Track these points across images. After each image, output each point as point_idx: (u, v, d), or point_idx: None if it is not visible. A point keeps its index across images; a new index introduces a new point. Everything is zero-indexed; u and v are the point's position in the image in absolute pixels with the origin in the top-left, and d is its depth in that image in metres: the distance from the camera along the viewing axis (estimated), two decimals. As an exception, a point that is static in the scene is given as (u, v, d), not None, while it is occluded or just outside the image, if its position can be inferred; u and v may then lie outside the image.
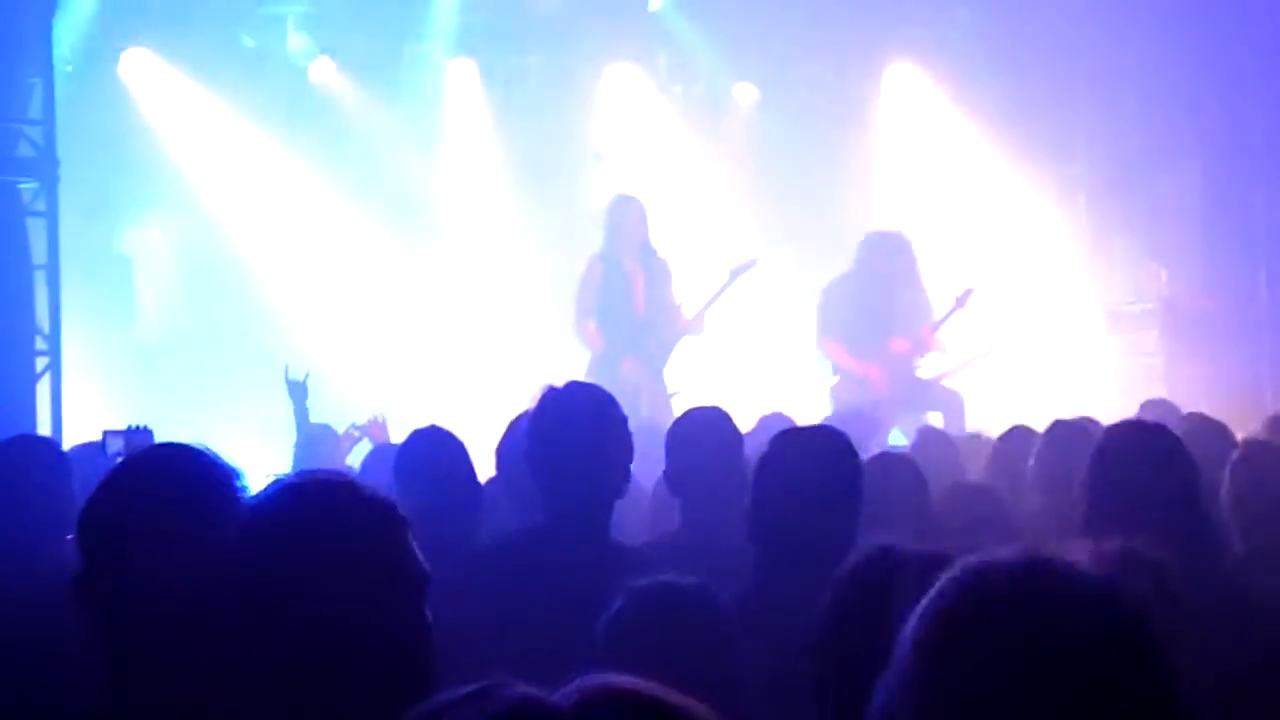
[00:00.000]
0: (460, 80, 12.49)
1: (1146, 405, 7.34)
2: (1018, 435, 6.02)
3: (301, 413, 8.09)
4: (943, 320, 10.24)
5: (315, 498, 2.38)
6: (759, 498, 3.73)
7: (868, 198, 12.03)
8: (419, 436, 4.66)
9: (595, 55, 12.60)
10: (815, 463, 3.76)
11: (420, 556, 2.37)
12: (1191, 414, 6.08)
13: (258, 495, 2.46)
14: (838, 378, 10.28)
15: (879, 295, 10.19)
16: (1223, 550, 4.30)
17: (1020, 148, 12.29)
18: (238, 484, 2.62)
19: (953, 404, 9.98)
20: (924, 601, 1.72)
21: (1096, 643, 1.63)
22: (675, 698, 1.39)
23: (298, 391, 8.15)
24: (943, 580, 1.72)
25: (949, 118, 12.89)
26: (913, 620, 1.72)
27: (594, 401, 4.03)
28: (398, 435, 7.81)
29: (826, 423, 5.31)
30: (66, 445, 6.70)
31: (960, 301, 10.23)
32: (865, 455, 4.33)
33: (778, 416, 6.84)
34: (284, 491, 2.43)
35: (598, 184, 11.60)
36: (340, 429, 8.46)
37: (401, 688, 2.29)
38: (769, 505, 3.70)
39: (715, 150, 12.92)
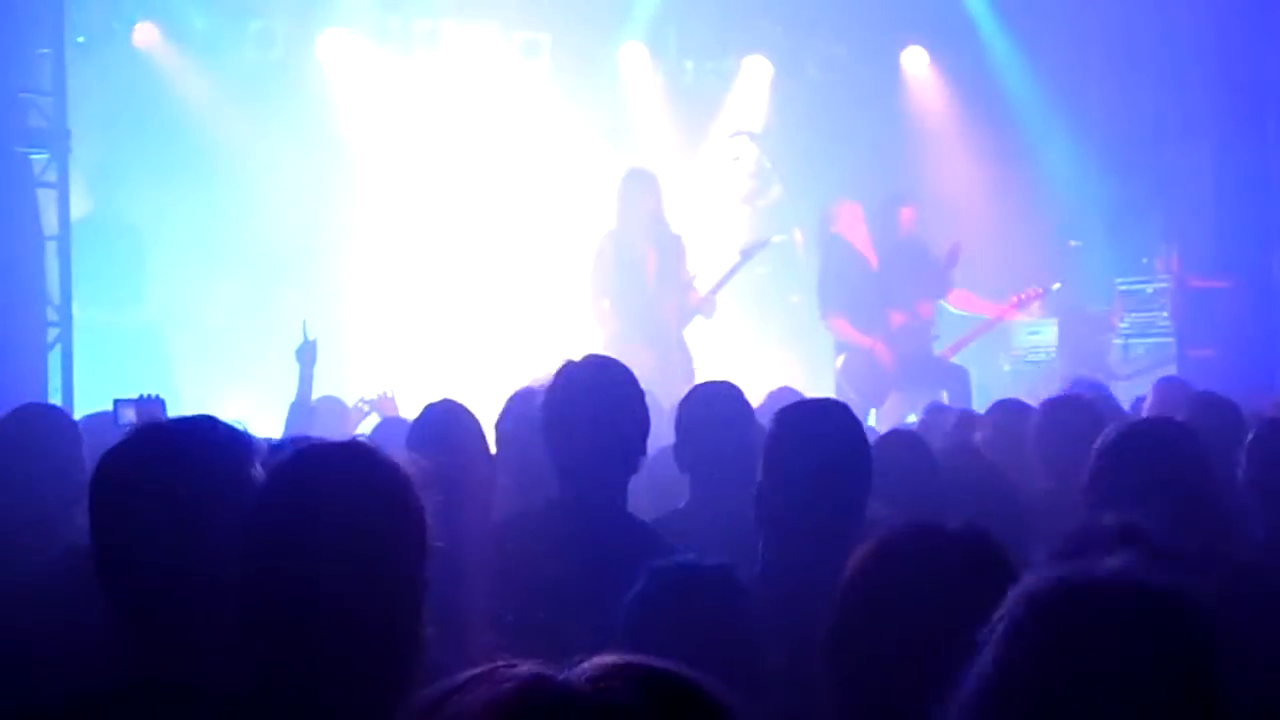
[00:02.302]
0: (473, 51, 12.44)
1: (1160, 383, 7.34)
2: (1014, 410, 6.02)
3: (306, 378, 8.07)
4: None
5: (338, 465, 2.38)
6: (767, 477, 3.72)
7: (884, 175, 11.99)
8: (433, 409, 4.66)
9: (607, 31, 12.56)
10: (821, 438, 3.74)
11: (427, 529, 2.37)
12: (1202, 392, 6.05)
13: (278, 461, 2.45)
14: (844, 355, 10.27)
15: (870, 258, 10.23)
16: (1242, 535, 4.27)
17: (1032, 127, 12.27)
18: (249, 453, 2.61)
19: (959, 380, 9.98)
20: (1023, 601, 1.90)
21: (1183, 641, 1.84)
22: (692, 675, 1.38)
23: (306, 355, 8.12)
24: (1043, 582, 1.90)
25: (959, 96, 12.86)
26: (1010, 621, 1.88)
27: (611, 376, 4.01)
28: (406, 411, 7.82)
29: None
30: (77, 415, 6.72)
31: (951, 258, 10.25)
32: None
33: (785, 391, 6.82)
34: (307, 457, 2.42)
35: (612, 158, 11.57)
36: (349, 402, 8.46)
37: (400, 655, 2.30)
38: (777, 484, 3.69)
39: (724, 126, 12.91)
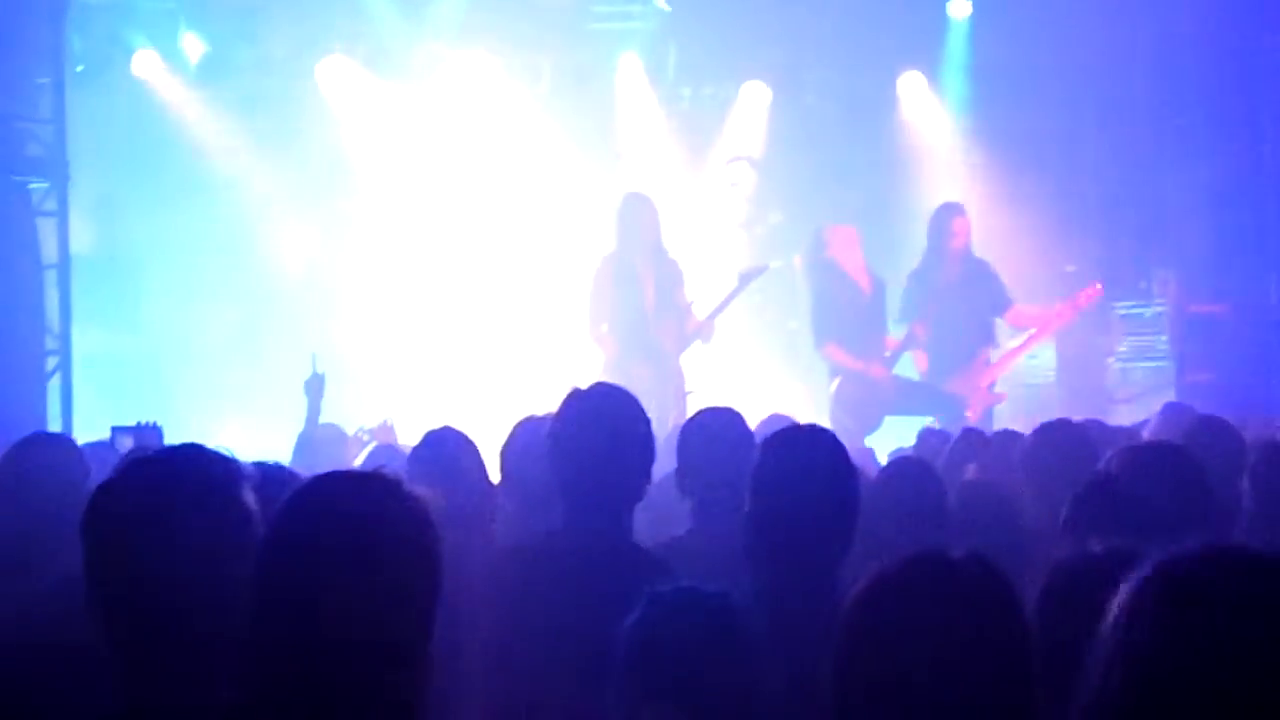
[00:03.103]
0: (472, 76, 12.47)
1: (1166, 409, 7.33)
2: (1006, 438, 6.02)
3: (314, 410, 8.09)
4: (927, 309, 10.23)
5: (358, 495, 2.38)
6: (754, 505, 3.71)
7: (879, 199, 12.01)
8: (433, 437, 4.65)
9: (606, 52, 12.59)
10: (808, 466, 3.73)
11: (442, 564, 2.36)
12: (1204, 417, 6.04)
13: (296, 491, 2.44)
14: (839, 379, 10.26)
15: (862, 283, 10.23)
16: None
17: (1028, 151, 12.29)
18: (240, 479, 2.61)
19: (954, 408, 9.94)
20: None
21: None
22: None
23: (314, 388, 8.14)
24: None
25: (956, 119, 12.89)
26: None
27: (617, 403, 4.01)
28: (405, 439, 7.82)
29: None
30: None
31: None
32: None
33: (776, 418, 6.81)
34: (325, 486, 2.41)
35: (610, 183, 11.59)
36: (349, 431, 8.46)
37: (409, 684, 2.30)
38: (764, 512, 3.68)
39: (722, 152, 12.95)
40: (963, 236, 10.24)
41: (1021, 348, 10.43)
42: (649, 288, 9.86)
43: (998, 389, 10.31)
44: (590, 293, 9.93)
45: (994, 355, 10.29)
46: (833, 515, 3.66)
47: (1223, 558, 1.93)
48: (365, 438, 8.32)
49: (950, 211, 10.34)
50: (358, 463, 7.97)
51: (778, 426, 6.72)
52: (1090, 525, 3.66)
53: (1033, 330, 10.38)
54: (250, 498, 2.57)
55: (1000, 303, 10.23)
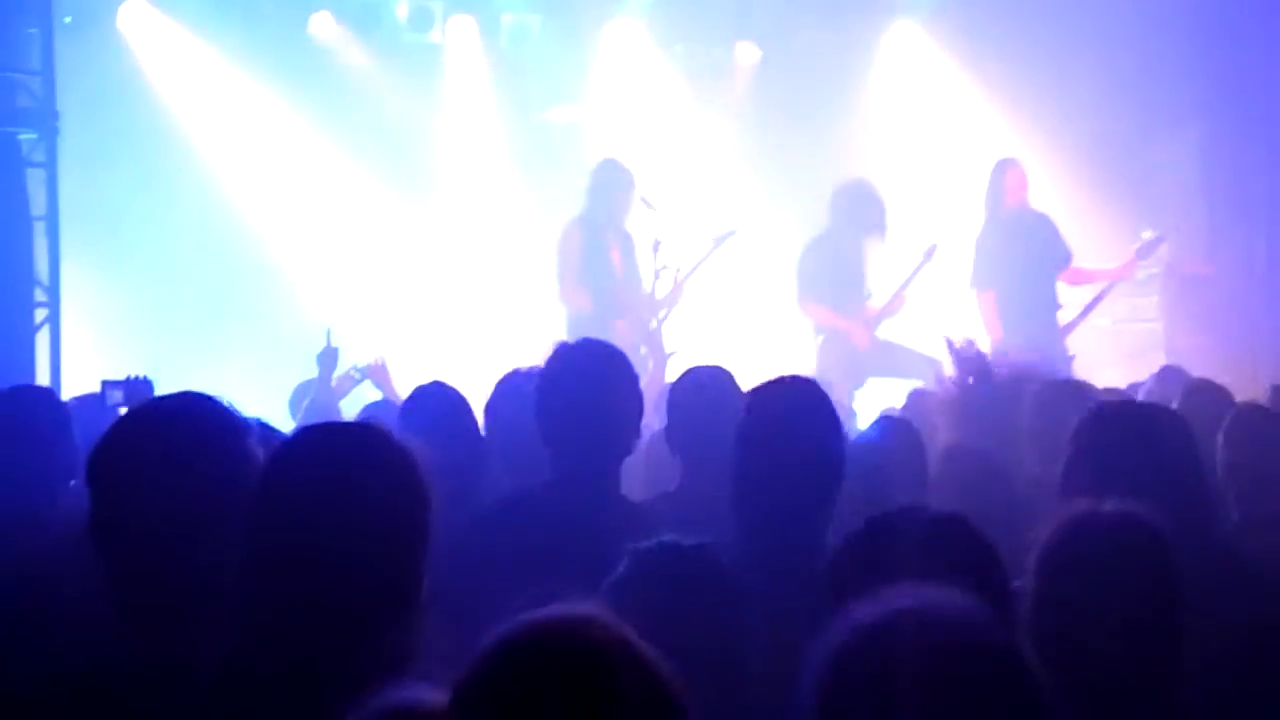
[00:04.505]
0: (459, 38, 12.41)
1: (1161, 372, 7.35)
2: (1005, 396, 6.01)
3: (326, 381, 8.09)
4: (910, 278, 10.20)
5: (347, 444, 2.38)
6: (740, 458, 3.72)
7: (869, 158, 11.98)
8: (424, 392, 4.66)
9: (596, 13, 12.54)
10: (793, 417, 3.74)
11: (432, 512, 2.38)
12: (1198, 380, 6.07)
13: (286, 438, 2.45)
14: (821, 337, 10.25)
15: (853, 253, 10.17)
16: (1219, 518, 4.30)
17: (1019, 110, 12.26)
18: (247, 430, 2.61)
19: (931, 372, 9.89)
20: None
21: None
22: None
23: (327, 360, 8.14)
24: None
25: (949, 79, 12.86)
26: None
27: (605, 357, 4.02)
28: (397, 379, 7.83)
29: None
30: (65, 396, 6.70)
31: (926, 256, 10.20)
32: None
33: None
34: (316, 436, 2.42)
35: (596, 145, 11.55)
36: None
37: (400, 640, 2.31)
38: (749, 464, 3.69)
39: (716, 110, 12.90)
40: (1018, 191, 9.97)
41: (1090, 307, 10.23)
42: (615, 254, 9.84)
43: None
44: (560, 253, 9.85)
45: (1060, 316, 10.13)
46: (816, 466, 3.67)
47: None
48: (357, 375, 8.29)
49: (1004, 167, 10.07)
50: (350, 402, 8.01)
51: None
52: (1084, 486, 3.68)
53: (1102, 286, 10.13)
54: (256, 448, 2.57)
55: (1061, 259, 10.03)
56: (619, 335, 8.74)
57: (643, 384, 4.16)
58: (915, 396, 7.30)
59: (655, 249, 9.78)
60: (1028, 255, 9.83)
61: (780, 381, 3.95)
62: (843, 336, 10.07)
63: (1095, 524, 2.81)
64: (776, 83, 12.79)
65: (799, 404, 3.79)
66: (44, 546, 3.76)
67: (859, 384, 9.96)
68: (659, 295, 9.83)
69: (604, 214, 9.80)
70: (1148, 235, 10.29)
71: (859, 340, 10.04)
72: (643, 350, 9.06)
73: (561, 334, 8.76)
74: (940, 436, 5.49)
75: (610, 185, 9.85)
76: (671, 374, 6.49)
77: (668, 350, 9.83)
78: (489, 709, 1.58)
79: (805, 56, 12.76)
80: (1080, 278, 10.17)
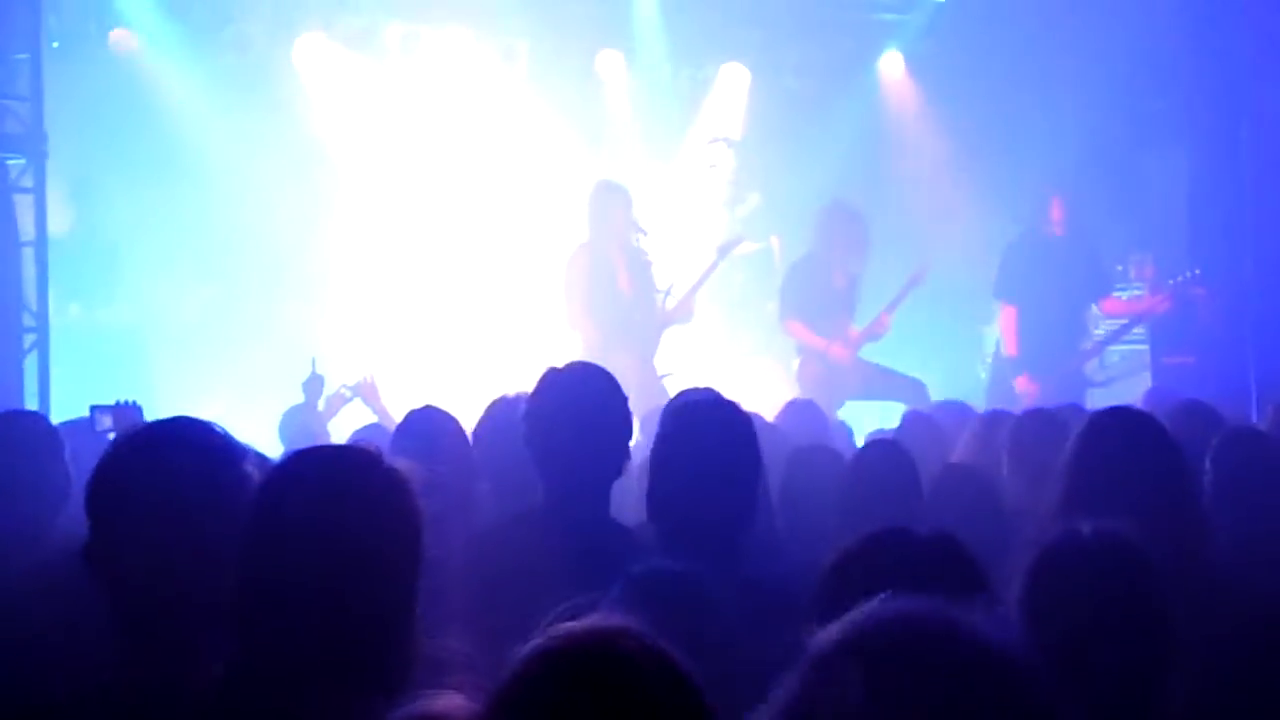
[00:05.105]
0: (449, 62, 12.42)
1: (1150, 394, 7.38)
2: (997, 420, 6.04)
3: (311, 406, 8.12)
4: (896, 301, 10.24)
5: (338, 467, 2.39)
6: (653, 474, 3.74)
7: (861, 182, 12.02)
8: (416, 416, 4.67)
9: (585, 38, 12.57)
10: (705, 435, 3.76)
11: (423, 536, 2.38)
12: (1185, 400, 6.09)
13: (278, 461, 2.45)
14: (801, 357, 10.29)
15: (837, 274, 10.20)
16: (1209, 537, 4.30)
17: (1006, 133, 12.31)
18: (242, 455, 2.62)
19: (916, 394, 9.92)
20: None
21: None
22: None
23: (312, 388, 8.17)
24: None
25: (935, 102, 12.91)
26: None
27: (594, 381, 4.04)
28: (387, 398, 7.84)
29: None
30: (54, 420, 6.69)
31: (914, 281, 10.24)
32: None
33: (808, 404, 6.93)
34: (307, 459, 2.42)
35: (589, 165, 11.58)
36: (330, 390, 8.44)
37: (392, 666, 2.31)
38: (662, 481, 3.71)
39: (702, 133, 12.94)
40: (1061, 219, 10.10)
41: (1115, 336, 10.33)
42: (622, 275, 9.86)
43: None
44: (566, 282, 9.91)
45: (1086, 343, 10.20)
46: (730, 485, 3.68)
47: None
48: (347, 394, 8.29)
49: (1049, 193, 10.20)
50: (339, 422, 8.02)
51: (805, 411, 6.82)
52: (1075, 509, 3.69)
53: (1126, 319, 10.22)
54: (252, 472, 2.58)
55: (1098, 287, 10.09)
56: (621, 367, 8.77)
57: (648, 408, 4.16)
58: (910, 418, 7.31)
59: (723, 250, 9.94)
60: (1058, 278, 9.91)
61: (692, 400, 3.99)
62: (822, 356, 10.10)
63: (1078, 545, 2.83)
64: (765, 104, 12.83)
65: (709, 425, 3.81)
66: (38, 568, 3.75)
67: (838, 404, 9.99)
68: (669, 309, 9.91)
69: (608, 236, 9.84)
70: (1186, 276, 10.34)
71: (839, 358, 10.06)
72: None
73: (564, 359, 8.77)
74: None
75: (608, 206, 9.89)
76: (669, 394, 6.53)
77: (661, 373, 9.88)
78: (526, 718, 1.60)
79: (795, 79, 12.80)
80: (1114, 307, 10.29)
